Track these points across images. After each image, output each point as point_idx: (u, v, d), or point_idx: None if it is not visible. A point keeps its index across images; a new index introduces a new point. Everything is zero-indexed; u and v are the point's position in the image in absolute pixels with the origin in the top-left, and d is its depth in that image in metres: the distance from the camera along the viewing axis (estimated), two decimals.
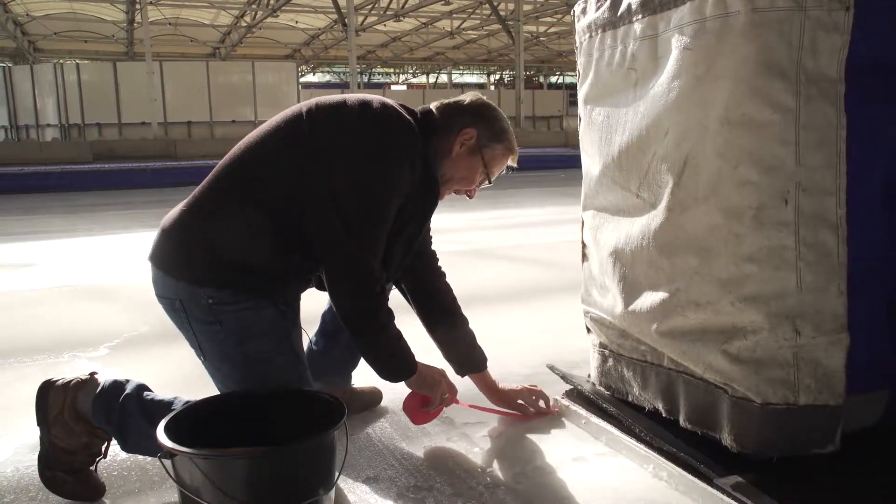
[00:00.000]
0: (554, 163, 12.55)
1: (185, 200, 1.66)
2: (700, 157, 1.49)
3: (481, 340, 1.98)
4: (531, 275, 4.31)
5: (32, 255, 5.14)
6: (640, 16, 1.64)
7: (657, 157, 1.59)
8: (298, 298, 1.74)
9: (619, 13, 1.71)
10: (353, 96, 1.67)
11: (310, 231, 1.58)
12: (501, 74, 37.57)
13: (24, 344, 2.88)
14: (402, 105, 1.69)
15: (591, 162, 1.89)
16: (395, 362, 1.72)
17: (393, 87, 35.26)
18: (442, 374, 1.83)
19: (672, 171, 1.55)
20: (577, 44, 1.93)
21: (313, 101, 1.66)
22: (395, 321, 1.68)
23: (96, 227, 6.60)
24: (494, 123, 1.77)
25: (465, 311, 1.98)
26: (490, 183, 1.83)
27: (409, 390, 1.81)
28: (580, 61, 1.92)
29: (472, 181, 1.80)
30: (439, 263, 1.97)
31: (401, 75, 39.08)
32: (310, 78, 36.26)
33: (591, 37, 1.84)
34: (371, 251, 1.59)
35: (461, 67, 35.82)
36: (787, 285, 1.42)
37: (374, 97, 1.68)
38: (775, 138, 1.40)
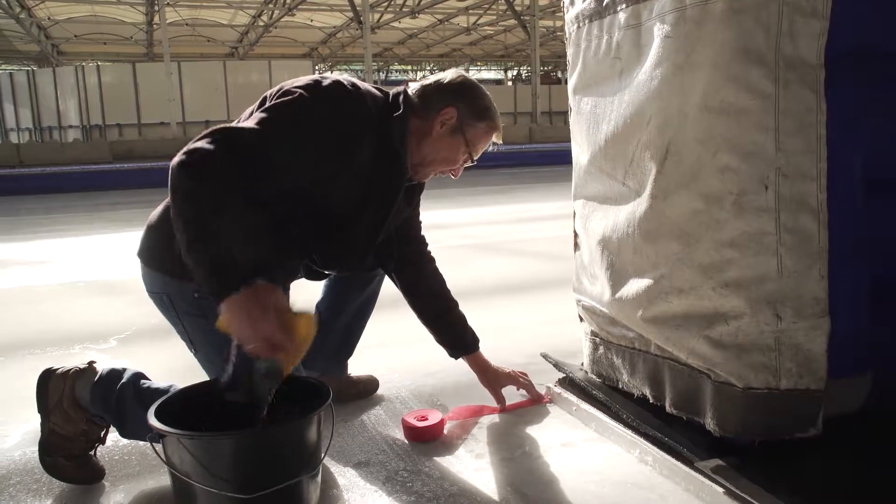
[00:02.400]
0: (570, 158, 12.48)
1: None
2: (681, 144, 1.50)
3: (479, 331, 2.00)
4: (534, 267, 4.32)
5: (50, 253, 5.24)
6: (624, 5, 1.65)
7: (641, 145, 1.60)
8: (288, 289, 1.77)
9: (604, 3, 1.72)
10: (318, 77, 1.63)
11: None
12: (519, 70, 37.47)
13: (37, 337, 2.95)
14: (374, 86, 1.68)
15: (580, 151, 1.92)
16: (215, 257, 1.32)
17: (412, 84, 35.26)
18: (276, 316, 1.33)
19: (655, 159, 1.56)
20: (567, 35, 1.94)
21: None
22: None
23: (114, 225, 6.70)
24: (476, 101, 1.72)
25: (465, 304, 1.99)
26: (474, 162, 1.78)
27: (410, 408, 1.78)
28: (569, 52, 1.93)
29: (454, 161, 1.75)
30: (429, 248, 1.98)
31: (418, 72, 39.11)
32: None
33: (578, 27, 1.85)
34: (230, 141, 1.40)
35: (478, 63, 35.80)
36: (768, 270, 1.43)
37: (342, 77, 1.63)
38: (754, 124, 1.40)
